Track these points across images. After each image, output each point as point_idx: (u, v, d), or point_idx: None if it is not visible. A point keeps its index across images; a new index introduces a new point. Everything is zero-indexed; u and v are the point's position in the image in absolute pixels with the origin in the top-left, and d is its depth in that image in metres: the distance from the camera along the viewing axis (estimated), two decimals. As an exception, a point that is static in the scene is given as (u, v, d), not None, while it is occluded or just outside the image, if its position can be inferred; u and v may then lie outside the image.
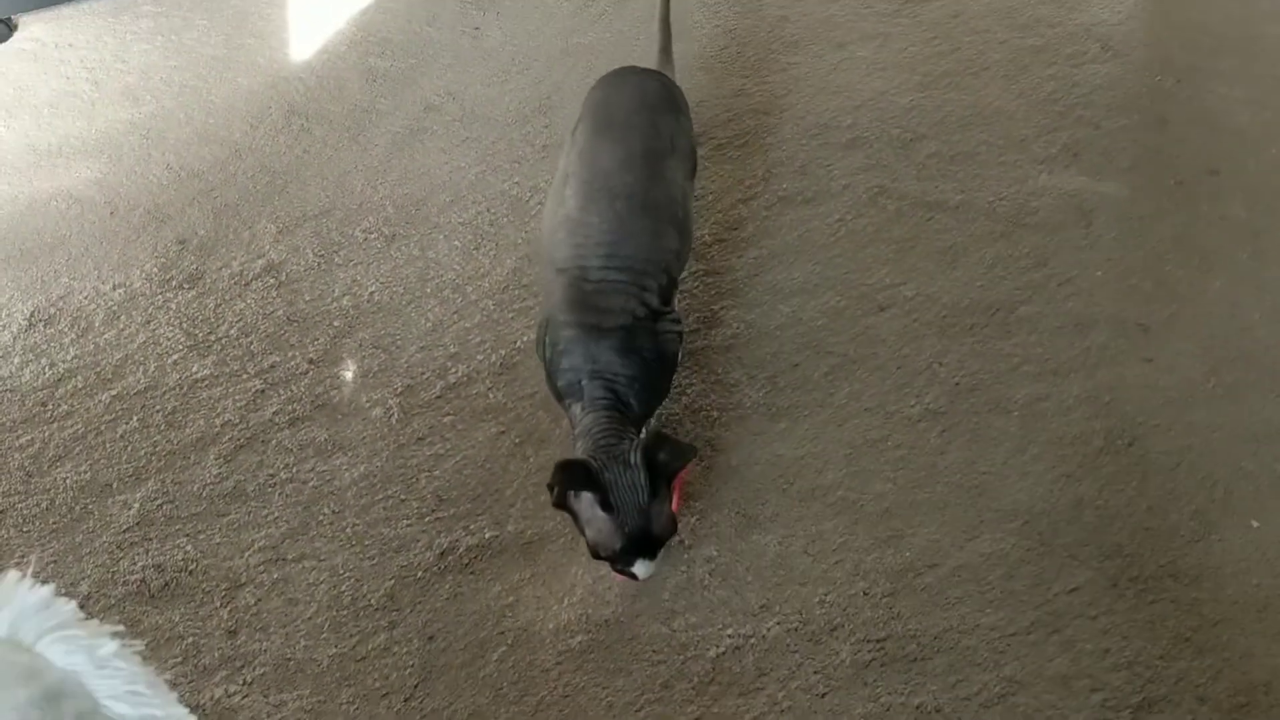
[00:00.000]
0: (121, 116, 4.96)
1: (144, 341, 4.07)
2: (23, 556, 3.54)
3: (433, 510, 3.58)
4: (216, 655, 3.32)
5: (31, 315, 4.19)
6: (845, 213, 4.24)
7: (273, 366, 3.97)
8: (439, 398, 3.85)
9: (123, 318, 4.15)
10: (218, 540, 3.57)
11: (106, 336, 4.10)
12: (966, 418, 3.66)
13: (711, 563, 3.39)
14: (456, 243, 4.28)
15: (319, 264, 4.27)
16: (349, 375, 3.92)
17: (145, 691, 1.88)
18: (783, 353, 3.86)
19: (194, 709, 2.48)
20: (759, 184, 4.36)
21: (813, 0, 5.12)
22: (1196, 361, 3.75)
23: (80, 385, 3.98)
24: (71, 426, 3.87)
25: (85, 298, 4.23)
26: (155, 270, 4.31)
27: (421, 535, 3.52)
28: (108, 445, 3.82)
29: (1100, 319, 3.87)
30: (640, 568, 3.18)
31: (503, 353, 3.91)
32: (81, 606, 1.91)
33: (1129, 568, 3.30)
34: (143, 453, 3.79)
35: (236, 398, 3.90)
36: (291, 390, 3.91)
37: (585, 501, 3.11)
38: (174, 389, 3.94)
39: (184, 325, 4.11)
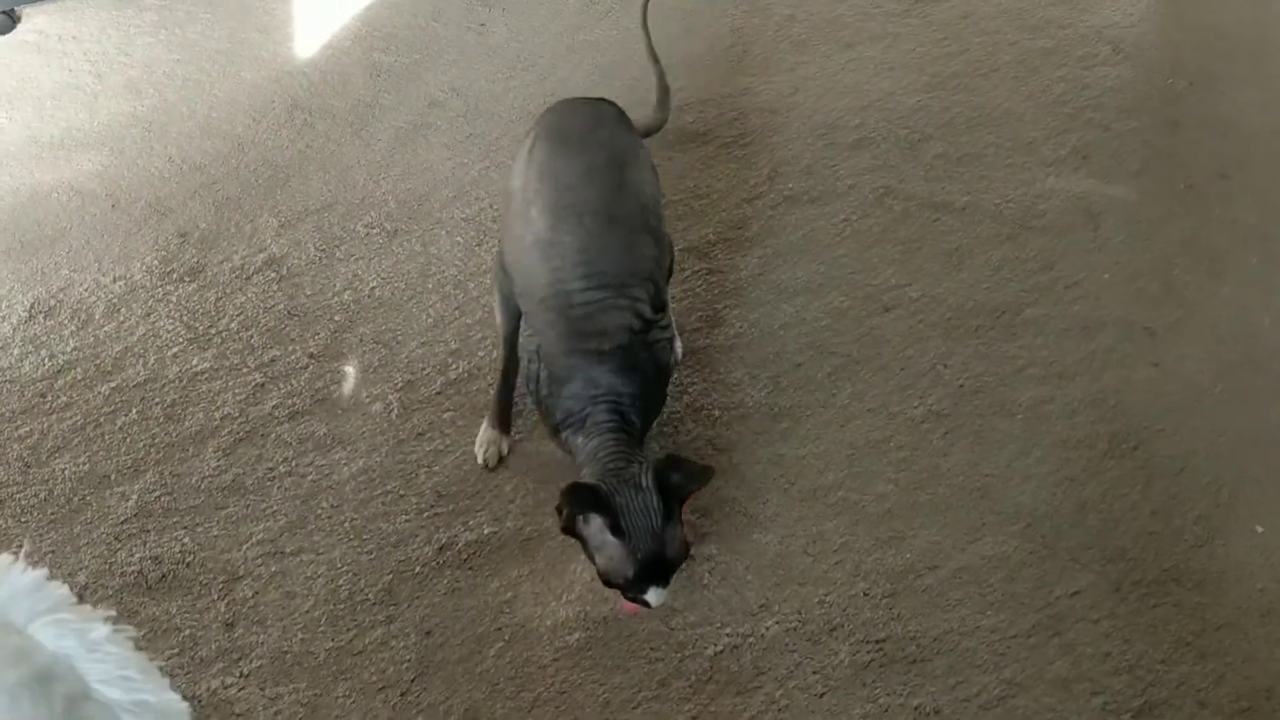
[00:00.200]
0: (124, 109, 4.95)
1: (144, 334, 4.05)
2: (19, 546, 3.53)
3: (431, 506, 3.56)
4: (213, 647, 3.31)
5: (32, 307, 4.17)
6: (851, 213, 4.22)
7: (273, 360, 3.95)
8: (439, 393, 3.83)
9: (123, 310, 4.13)
10: (216, 533, 3.55)
11: (107, 329, 4.08)
12: (970, 420, 3.65)
13: (711, 561, 3.37)
14: (459, 239, 4.26)
15: (320, 258, 4.25)
16: (349, 380, 3.90)
17: (137, 676, 1.87)
18: (786, 352, 3.85)
19: (190, 700, 2.47)
20: (764, 183, 4.35)
21: (821, 0, 5.10)
22: (1203, 366, 3.74)
23: (80, 377, 3.96)
24: (71, 418, 3.85)
25: (86, 290, 4.21)
26: (156, 263, 4.29)
27: (420, 530, 3.51)
28: (106, 437, 3.80)
29: (1107, 322, 3.86)
30: (653, 595, 3.10)
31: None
32: (79, 597, 1.90)
33: (1132, 571, 3.29)
34: (141, 445, 3.77)
35: (236, 391, 3.88)
36: (291, 384, 3.89)
37: (595, 526, 3.05)
38: (173, 382, 3.92)
39: (184, 318, 4.09)
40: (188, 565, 3.48)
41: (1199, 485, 3.46)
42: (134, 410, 3.86)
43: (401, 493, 3.60)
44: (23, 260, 4.35)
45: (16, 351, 4.04)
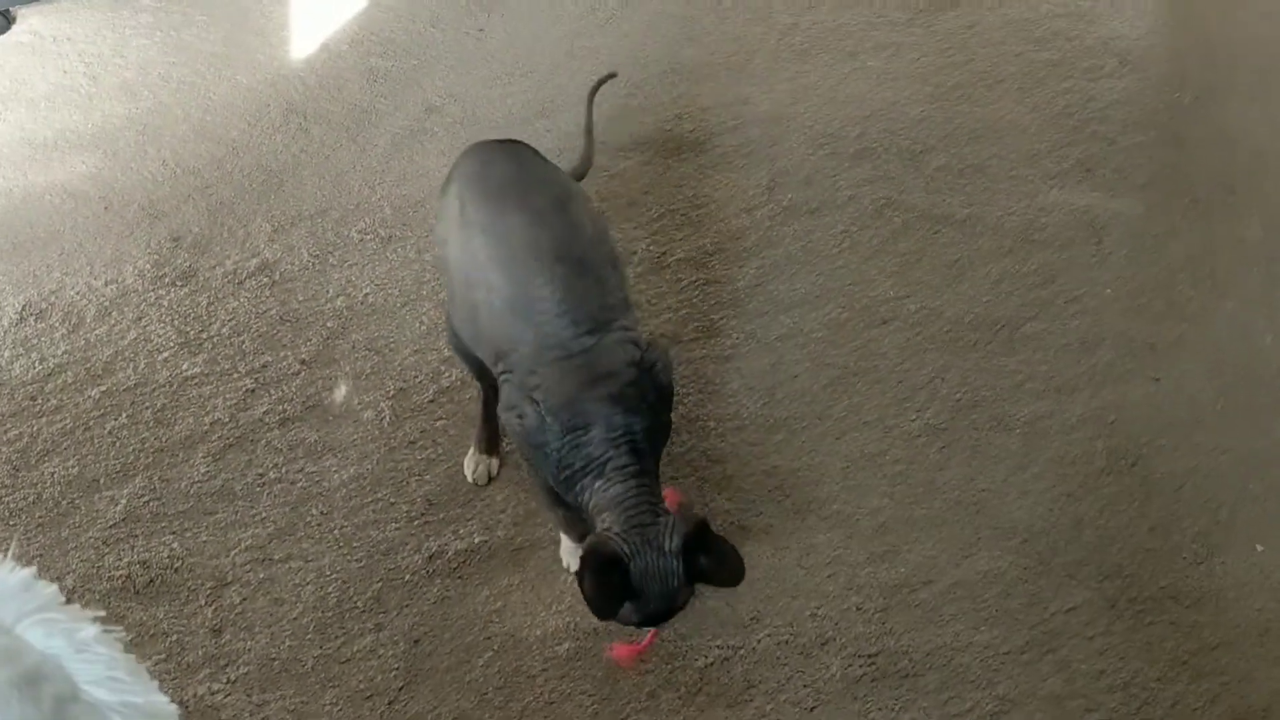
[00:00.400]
0: (118, 111, 4.92)
1: (135, 338, 4.03)
2: (7, 546, 3.50)
3: (422, 514, 3.54)
4: (200, 653, 3.29)
5: (23, 309, 4.15)
6: (850, 224, 4.20)
7: (264, 366, 3.93)
8: (431, 401, 3.81)
9: (114, 313, 4.11)
10: (204, 538, 3.53)
11: (98, 332, 4.05)
12: (967, 434, 3.63)
13: (703, 573, 3.34)
14: (454, 246, 4.24)
15: (314, 264, 4.23)
16: (341, 387, 3.88)
17: (125, 678, 1.85)
18: (782, 364, 3.83)
19: (176, 706, 2.45)
20: (763, 193, 4.33)
21: (824, 8, 5.09)
22: (1204, 383, 3.72)
23: (70, 380, 3.94)
24: (60, 421, 3.83)
25: (77, 293, 4.19)
26: (148, 266, 4.26)
27: (410, 539, 3.49)
28: (96, 441, 3.78)
29: (1107, 337, 3.84)
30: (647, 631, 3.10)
31: (497, 357, 3.87)
32: (66, 601, 1.88)
33: (1128, 589, 3.27)
34: (131, 449, 3.75)
35: (227, 396, 3.86)
36: (283, 390, 3.86)
37: None
38: (164, 386, 3.90)
39: (176, 322, 4.07)
40: (175, 570, 3.46)
41: (1198, 502, 3.44)
42: (124, 414, 3.83)
43: (392, 500, 3.58)
44: (14, 262, 4.32)
45: (7, 354, 4.02)
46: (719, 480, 3.55)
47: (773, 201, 4.30)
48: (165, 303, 4.14)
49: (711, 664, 3.17)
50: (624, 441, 3.07)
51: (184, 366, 3.95)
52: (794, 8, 5.13)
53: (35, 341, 4.04)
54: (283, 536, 3.51)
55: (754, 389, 3.78)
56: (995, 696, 3.09)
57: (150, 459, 3.73)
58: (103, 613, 1.83)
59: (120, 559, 3.49)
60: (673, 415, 3.33)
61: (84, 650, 1.81)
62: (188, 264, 4.26)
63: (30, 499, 3.65)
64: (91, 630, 1.82)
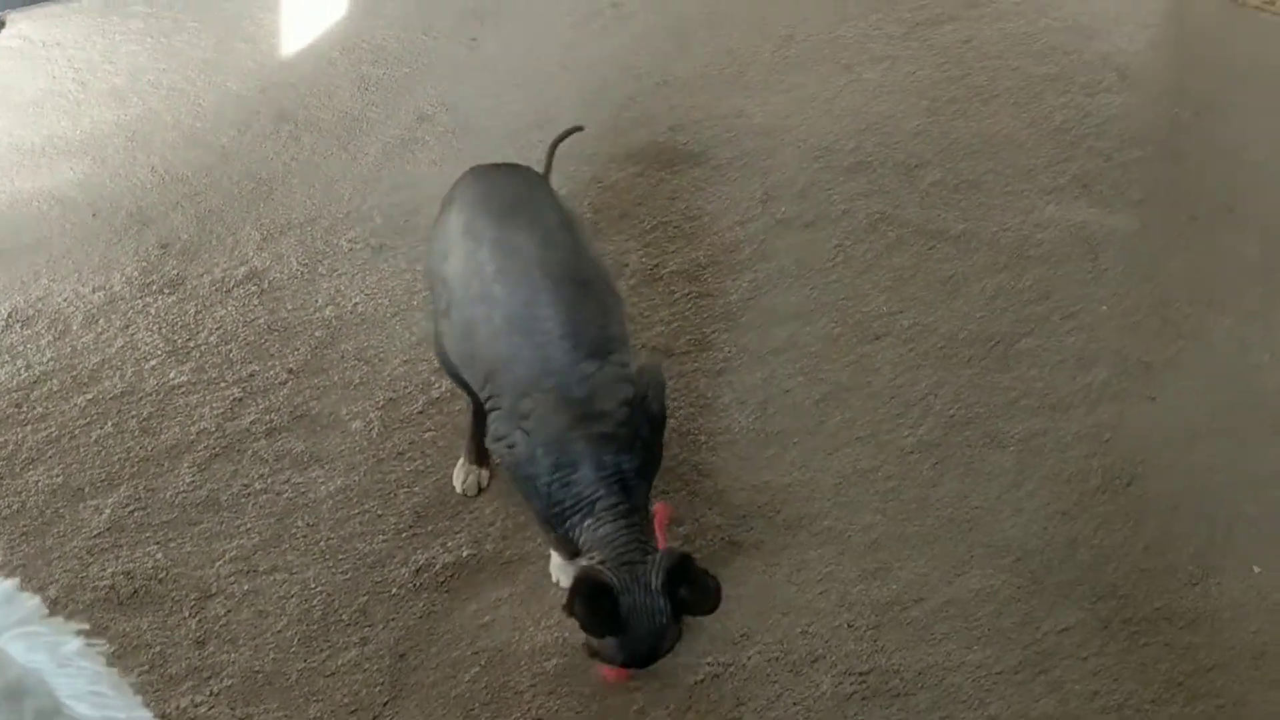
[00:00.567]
0: (108, 117, 4.91)
1: (122, 346, 4.00)
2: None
3: (410, 526, 3.51)
4: (184, 665, 3.24)
5: (9, 316, 4.12)
6: (844, 238, 4.19)
7: (252, 375, 3.90)
8: (421, 412, 3.78)
9: (101, 321, 4.08)
10: (189, 549, 3.49)
11: (84, 339, 4.02)
12: (961, 450, 3.61)
13: (693, 589, 3.31)
14: (446, 256, 4.21)
15: (303, 273, 4.20)
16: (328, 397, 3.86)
17: (108, 693, 1.83)
18: (775, 378, 3.81)
19: (159, 718, 2.41)
20: (757, 206, 4.31)
21: (820, 20, 5.08)
22: (1200, 401, 3.70)
23: (56, 388, 3.90)
24: (46, 429, 3.79)
25: (64, 299, 4.16)
26: (136, 274, 4.23)
27: (397, 551, 3.45)
28: (81, 449, 3.74)
29: (1103, 355, 3.82)
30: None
31: (488, 369, 3.84)
32: (51, 612, 1.86)
33: (1122, 609, 3.24)
34: (116, 458, 3.71)
35: (214, 405, 3.82)
36: (270, 400, 3.83)
37: None
38: (150, 395, 3.87)
39: (163, 330, 4.04)
40: (160, 581, 3.42)
41: (1193, 523, 3.42)
42: (110, 423, 3.80)
43: (379, 512, 3.54)
44: (1, 268, 4.29)
45: (-8, 360, 3.99)
46: (710, 495, 3.53)
47: (767, 214, 4.29)
48: (153, 310, 4.11)
49: (701, 681, 3.14)
50: (614, 480, 3.04)
51: (171, 375, 3.91)
52: (789, 20, 5.12)
53: (21, 348, 4.01)
54: (268, 548, 3.47)
55: (746, 403, 3.75)
56: (987, 717, 3.06)
57: (136, 468, 3.69)
58: (86, 626, 1.81)
59: (104, 569, 3.45)
60: (665, 428, 3.30)
61: (67, 665, 1.79)
62: (176, 271, 4.23)
63: (14, 508, 3.61)
64: (74, 644, 1.80)
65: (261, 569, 3.43)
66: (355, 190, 4.51)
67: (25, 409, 3.85)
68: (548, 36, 5.16)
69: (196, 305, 4.12)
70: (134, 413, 3.82)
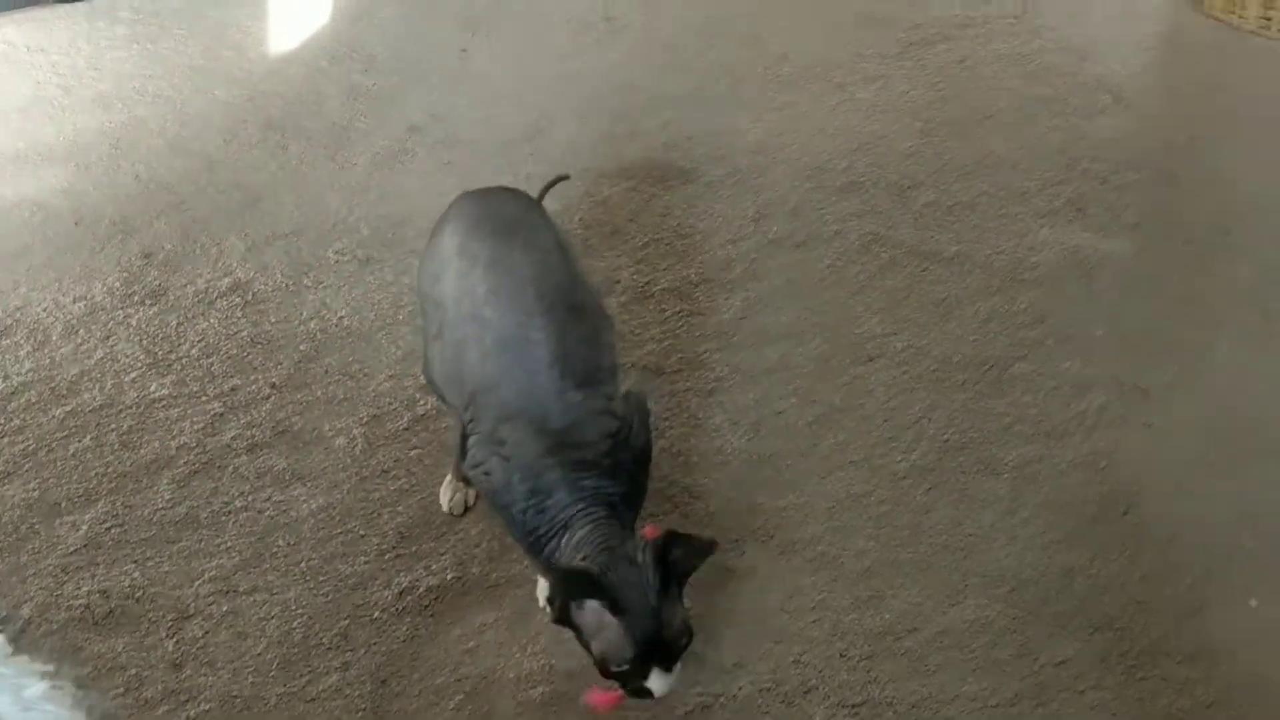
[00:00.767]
0: (92, 124, 4.88)
1: (102, 357, 3.95)
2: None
3: (394, 547, 3.45)
4: (160, 688, 3.17)
5: (-13, 324, 4.07)
6: (837, 258, 4.17)
7: (234, 389, 3.86)
8: (406, 429, 3.73)
9: (81, 331, 4.04)
10: (167, 568, 3.43)
11: (64, 350, 3.98)
12: (954, 476, 3.57)
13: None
14: (433, 270, 4.17)
15: (288, 285, 4.17)
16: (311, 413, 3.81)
17: (74, 736, 1.78)
18: (767, 399, 3.77)
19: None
20: (749, 225, 4.29)
21: (814, 39, 5.07)
22: (1198, 428, 3.67)
23: (34, 399, 3.86)
24: (22, 442, 3.74)
25: (44, 309, 4.12)
26: (118, 284, 4.20)
27: (380, 573, 3.39)
28: (59, 463, 3.69)
29: (1099, 380, 3.79)
30: (656, 681, 2.87)
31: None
32: (23, 631, 1.81)
33: (1119, 642, 3.20)
34: (94, 473, 3.66)
35: (194, 420, 3.78)
36: (252, 415, 3.78)
37: (590, 611, 2.85)
38: (130, 408, 3.82)
39: (144, 342, 4.00)
40: (136, 601, 3.36)
41: (1191, 553, 3.37)
42: (88, 436, 3.75)
43: (362, 533, 3.49)
44: (-20, 276, 4.25)
45: (-31, 371, 3.94)
46: (701, 517, 3.48)
47: (759, 233, 4.27)
48: (134, 321, 4.07)
49: (691, 712, 3.08)
50: (594, 500, 2.98)
51: (151, 388, 3.87)
52: (783, 37, 5.11)
53: (-2, 358, 3.97)
54: (248, 568, 3.42)
55: (739, 424, 3.72)
56: (983, 751, 3.01)
57: (114, 483, 3.63)
58: (51, 667, 1.75)
59: (80, 587, 3.38)
60: (650, 461, 3.25)
61: (31, 709, 1.75)
62: (158, 282, 4.19)
63: (-12, 522, 3.56)
64: (39, 687, 1.76)
65: (241, 589, 3.37)
66: (343, 201, 4.48)
67: (1, 421, 3.81)
68: (540, 49, 5.14)
69: (179, 317, 4.07)
70: (113, 426, 3.77)
